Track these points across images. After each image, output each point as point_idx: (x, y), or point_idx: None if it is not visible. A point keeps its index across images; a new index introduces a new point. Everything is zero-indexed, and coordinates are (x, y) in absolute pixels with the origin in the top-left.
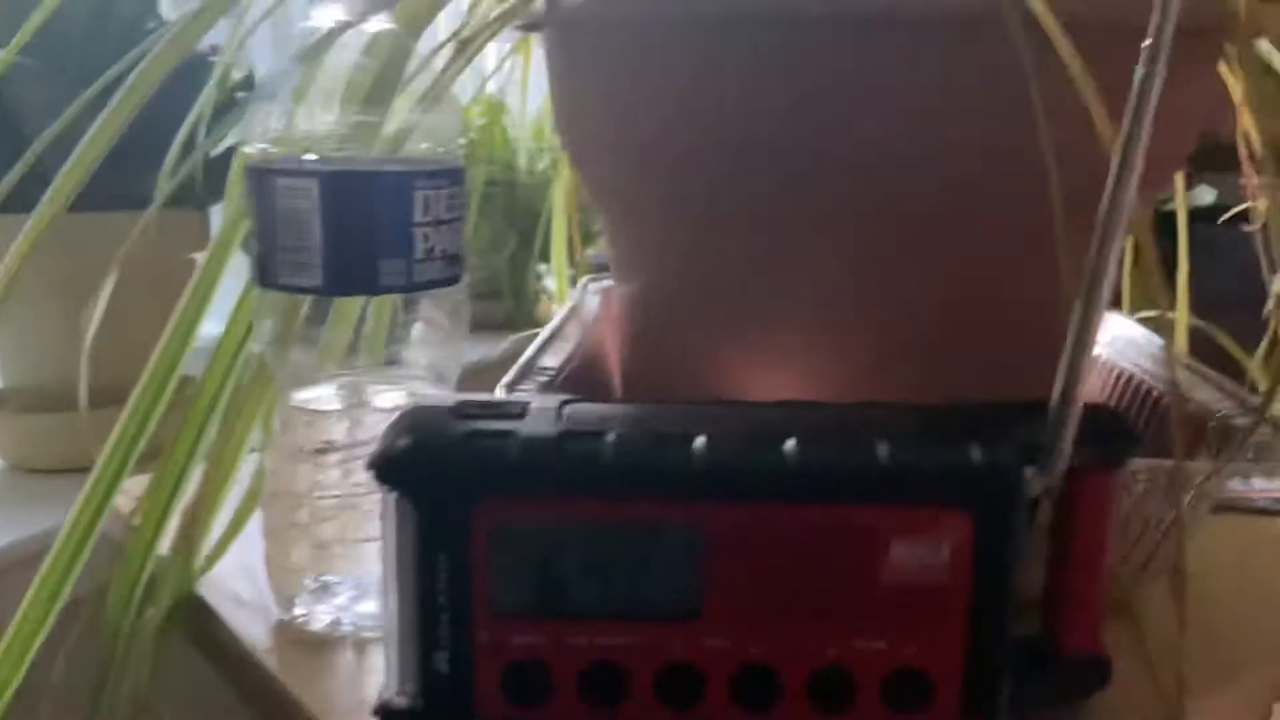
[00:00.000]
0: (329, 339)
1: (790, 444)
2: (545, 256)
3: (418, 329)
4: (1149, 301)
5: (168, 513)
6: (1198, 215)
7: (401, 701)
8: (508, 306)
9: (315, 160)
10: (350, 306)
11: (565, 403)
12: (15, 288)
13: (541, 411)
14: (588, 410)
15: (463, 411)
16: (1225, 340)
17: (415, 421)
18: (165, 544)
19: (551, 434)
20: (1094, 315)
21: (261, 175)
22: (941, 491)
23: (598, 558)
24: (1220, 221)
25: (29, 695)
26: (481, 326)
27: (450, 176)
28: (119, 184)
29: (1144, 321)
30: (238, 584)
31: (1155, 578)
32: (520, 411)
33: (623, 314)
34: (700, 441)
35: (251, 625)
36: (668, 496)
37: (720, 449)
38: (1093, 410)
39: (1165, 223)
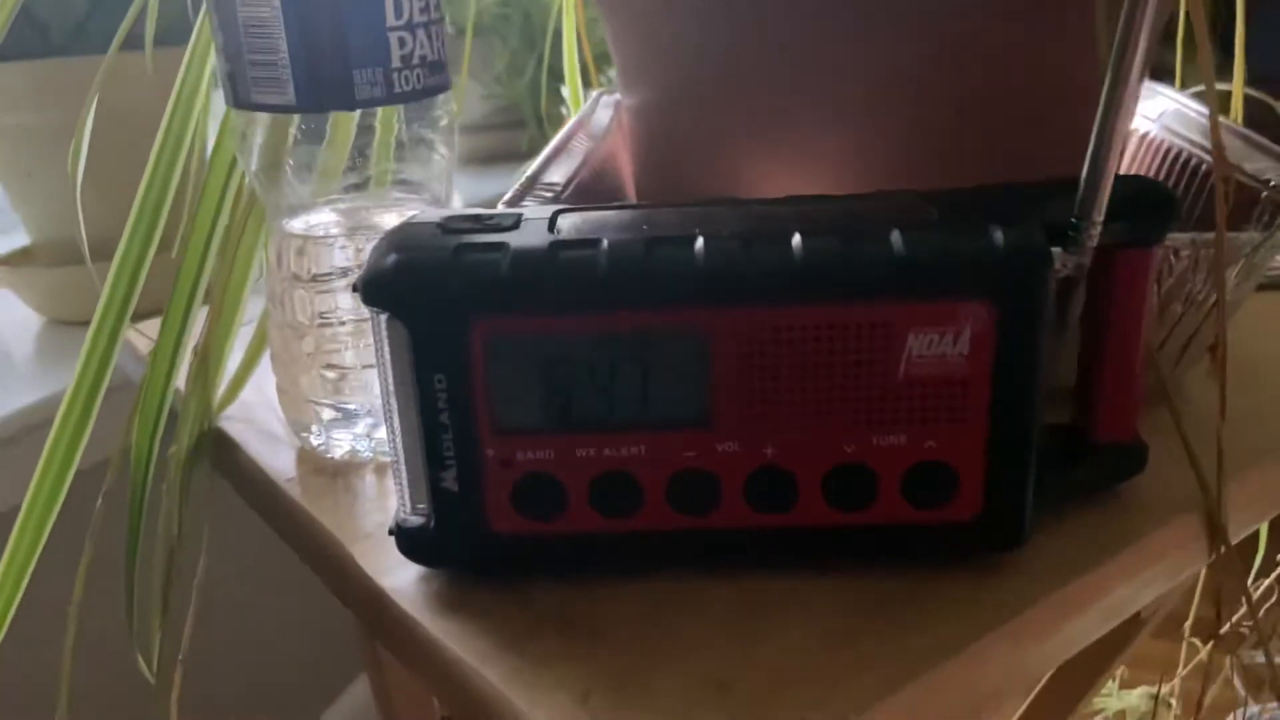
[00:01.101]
0: (324, 163)
1: (796, 240)
2: (565, 78)
3: (406, 147)
4: (1194, 78)
5: (179, 351)
6: None
7: (415, 520)
8: (532, 134)
9: None
10: (342, 126)
11: (559, 212)
12: (20, 139)
13: (535, 222)
14: (583, 218)
15: (451, 226)
16: None
17: (402, 239)
18: (182, 383)
19: (544, 244)
20: (1127, 77)
21: None
22: (961, 281)
23: (600, 369)
24: None
25: (66, 546)
26: (506, 157)
27: None
28: (113, 25)
29: (1197, 96)
30: (260, 418)
31: (1196, 360)
32: (513, 223)
33: (633, 124)
34: (700, 243)
35: (275, 456)
36: (668, 303)
37: (721, 250)
38: (1127, 182)
39: None
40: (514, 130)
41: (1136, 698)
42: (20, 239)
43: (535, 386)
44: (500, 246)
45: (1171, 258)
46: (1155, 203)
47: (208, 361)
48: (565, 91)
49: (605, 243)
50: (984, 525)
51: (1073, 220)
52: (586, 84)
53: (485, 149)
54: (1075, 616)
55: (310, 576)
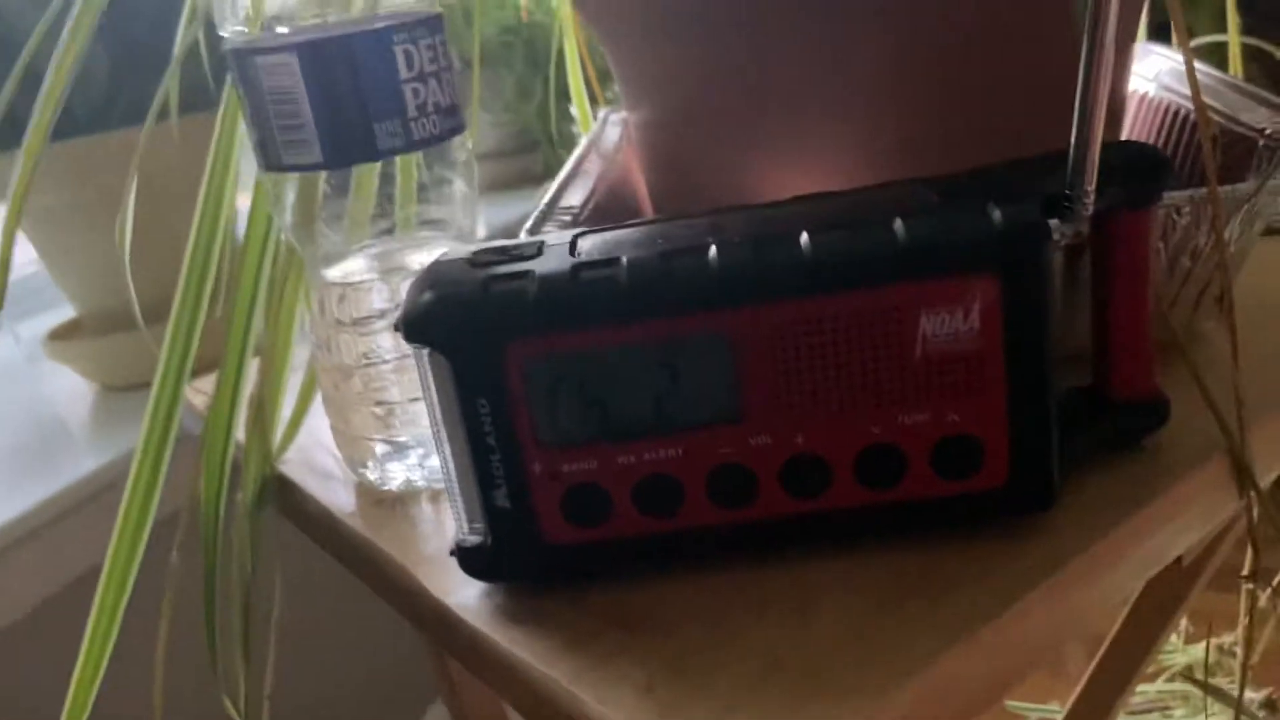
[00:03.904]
0: (353, 213)
1: (804, 237)
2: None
3: (429, 189)
4: (1216, 27)
5: (235, 403)
6: None
7: (474, 539)
8: (546, 155)
9: (289, 32)
10: (366, 176)
11: (579, 235)
12: (58, 218)
13: (556, 248)
14: (601, 239)
15: (479, 260)
16: None
17: (435, 277)
18: (241, 433)
19: (566, 268)
20: (1101, 47)
21: (241, 57)
22: (963, 258)
23: (632, 378)
24: None
25: (147, 598)
26: (524, 181)
27: (428, 26)
28: (136, 98)
29: (1195, 51)
30: (317, 459)
31: (1212, 311)
32: (536, 251)
33: (641, 140)
34: (713, 251)
35: (335, 493)
36: (689, 309)
37: (734, 254)
38: (1119, 148)
39: None
40: (529, 154)
41: (1202, 650)
42: (64, 314)
43: (573, 402)
44: (526, 274)
45: (1174, 215)
46: (1147, 166)
47: (264, 410)
48: (574, 110)
49: (624, 260)
50: (1013, 490)
51: (1066, 191)
52: (593, 100)
53: (504, 175)
54: (1112, 568)
55: (380, 606)
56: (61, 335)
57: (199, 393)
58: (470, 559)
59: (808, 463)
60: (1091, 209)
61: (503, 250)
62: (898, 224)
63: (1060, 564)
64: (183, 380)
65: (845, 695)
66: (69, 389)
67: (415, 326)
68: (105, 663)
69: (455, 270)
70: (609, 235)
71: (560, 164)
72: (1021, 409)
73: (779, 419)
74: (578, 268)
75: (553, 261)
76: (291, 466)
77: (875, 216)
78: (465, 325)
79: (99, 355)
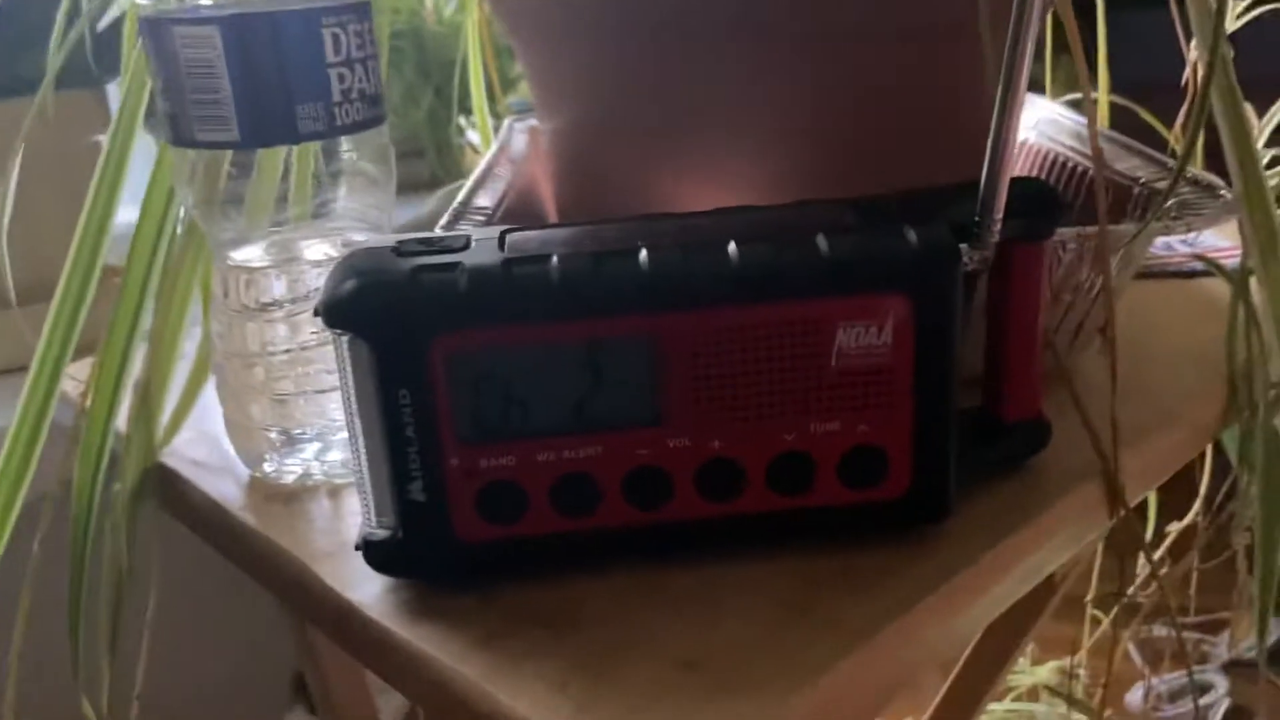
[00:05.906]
0: (256, 195)
1: (732, 247)
2: (465, 107)
3: (344, 177)
4: (1071, 85)
5: (118, 390)
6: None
7: (382, 534)
8: (431, 164)
9: (213, 4)
10: (273, 159)
11: (506, 231)
12: None
13: (484, 242)
14: (529, 236)
15: (405, 250)
16: (1147, 116)
17: (359, 264)
18: (122, 422)
19: (497, 262)
20: (1017, 86)
21: (158, 27)
22: (881, 277)
23: (555, 376)
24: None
25: (8, 584)
26: (406, 187)
27: (357, 11)
28: (5, 70)
29: (1067, 104)
30: (201, 451)
31: (1087, 343)
32: (463, 244)
33: (551, 149)
34: (644, 254)
35: (223, 486)
36: (617, 310)
37: (664, 260)
38: (1020, 184)
39: (1085, 9)
40: (413, 160)
41: (1047, 672)
42: None
43: (495, 397)
44: (455, 266)
45: (1060, 251)
46: (1044, 201)
47: (149, 398)
48: (464, 120)
49: (555, 258)
50: (913, 501)
51: (976, 219)
52: (492, 110)
53: None
54: (999, 579)
55: (253, 605)
56: None
57: (69, 378)
58: (378, 553)
59: (723, 467)
60: (997, 239)
61: (429, 241)
62: (821, 240)
63: (953, 574)
64: (63, 362)
65: (757, 693)
66: None
67: (339, 311)
68: None
69: (380, 258)
70: (536, 234)
71: (447, 172)
72: (925, 423)
73: (697, 423)
74: (509, 262)
75: (482, 255)
76: (172, 459)
77: (799, 232)
78: (392, 313)
79: None
